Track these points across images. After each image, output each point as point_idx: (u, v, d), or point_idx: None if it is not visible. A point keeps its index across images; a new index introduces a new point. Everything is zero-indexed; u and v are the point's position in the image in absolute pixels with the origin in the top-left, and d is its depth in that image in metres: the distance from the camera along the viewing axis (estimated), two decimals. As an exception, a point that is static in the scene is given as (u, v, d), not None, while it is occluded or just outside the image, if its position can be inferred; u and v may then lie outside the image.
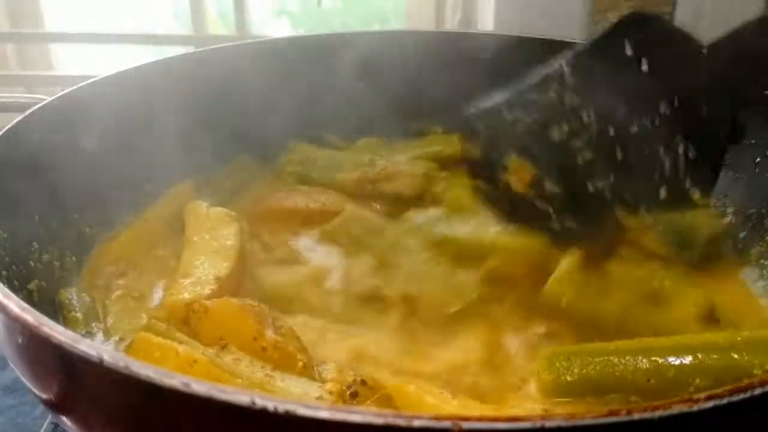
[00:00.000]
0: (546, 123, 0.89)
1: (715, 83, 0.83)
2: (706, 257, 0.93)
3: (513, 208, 0.93)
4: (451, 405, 0.64)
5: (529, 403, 0.70)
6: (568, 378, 0.70)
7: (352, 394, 0.66)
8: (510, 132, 0.91)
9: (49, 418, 0.88)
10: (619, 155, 0.86)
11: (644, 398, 0.68)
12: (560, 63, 0.88)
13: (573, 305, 0.84)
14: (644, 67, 0.84)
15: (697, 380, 0.66)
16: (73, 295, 0.85)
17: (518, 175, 0.91)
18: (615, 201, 0.88)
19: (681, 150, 0.84)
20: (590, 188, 0.88)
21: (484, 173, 0.96)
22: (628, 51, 0.84)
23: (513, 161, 0.91)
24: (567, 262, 0.87)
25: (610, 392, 0.69)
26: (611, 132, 0.86)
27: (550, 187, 0.90)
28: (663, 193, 0.86)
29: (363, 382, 0.68)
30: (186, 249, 0.90)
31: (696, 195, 0.86)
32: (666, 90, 0.83)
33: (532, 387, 0.72)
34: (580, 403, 0.69)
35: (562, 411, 0.66)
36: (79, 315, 0.82)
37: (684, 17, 1.71)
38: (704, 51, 0.83)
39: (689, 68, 0.84)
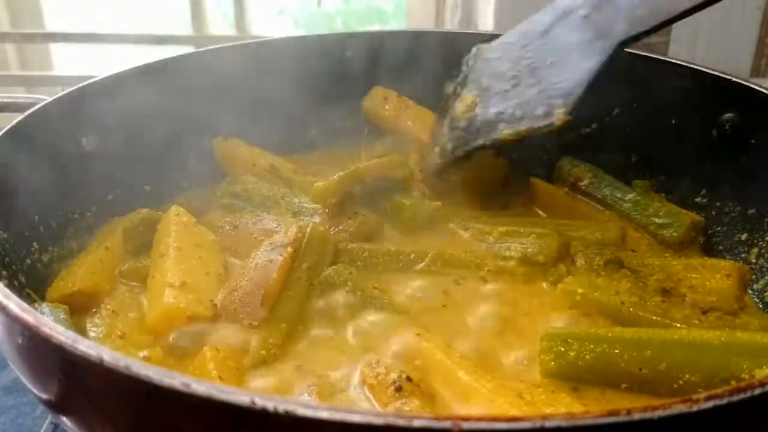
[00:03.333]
0: None
1: None
2: (685, 241, 0.96)
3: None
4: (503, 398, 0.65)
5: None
6: (564, 361, 0.72)
7: (397, 389, 0.68)
8: None
9: (49, 418, 0.88)
10: None
11: (635, 387, 0.70)
12: None
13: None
14: None
15: (687, 375, 0.67)
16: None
17: None
18: None
19: None
20: None
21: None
22: None
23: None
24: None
25: (602, 377, 0.71)
26: None
27: None
28: None
29: (408, 378, 0.69)
30: (168, 255, 0.86)
31: None
32: None
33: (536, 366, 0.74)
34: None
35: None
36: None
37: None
38: None
39: None
